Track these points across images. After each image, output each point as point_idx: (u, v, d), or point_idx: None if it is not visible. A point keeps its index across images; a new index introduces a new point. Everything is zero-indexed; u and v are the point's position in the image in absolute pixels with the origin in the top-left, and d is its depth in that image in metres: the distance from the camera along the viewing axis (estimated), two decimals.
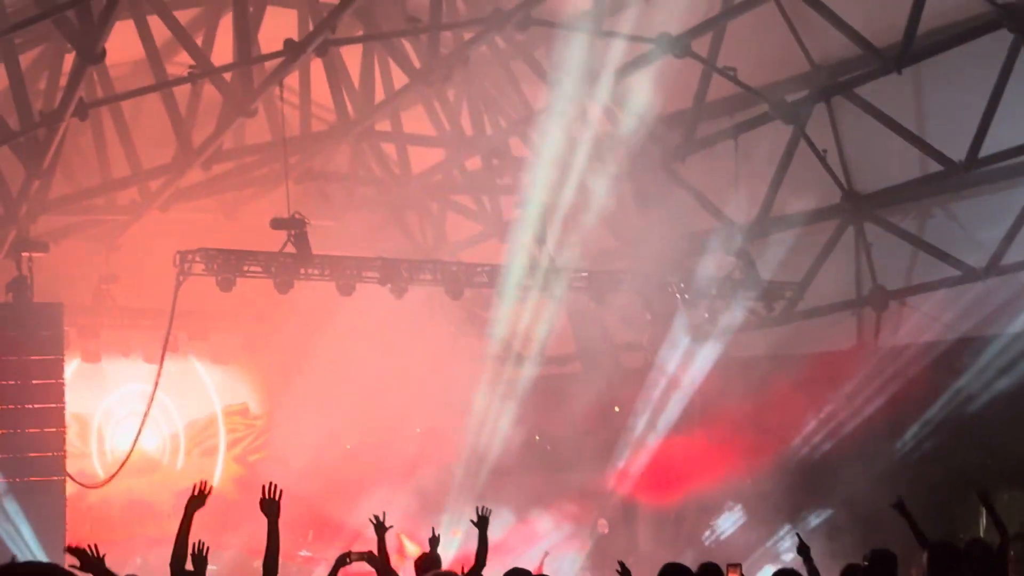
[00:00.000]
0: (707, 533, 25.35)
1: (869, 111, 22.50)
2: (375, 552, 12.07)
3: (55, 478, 23.14)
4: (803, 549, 12.19)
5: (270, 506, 9.62)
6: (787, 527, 23.06)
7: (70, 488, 23.97)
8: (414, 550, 23.78)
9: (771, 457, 24.44)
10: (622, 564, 11.36)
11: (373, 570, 11.99)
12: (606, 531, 27.36)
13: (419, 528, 24.73)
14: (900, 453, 23.08)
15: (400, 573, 12.29)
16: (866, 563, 10.96)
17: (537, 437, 28.86)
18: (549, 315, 26.95)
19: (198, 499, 9.59)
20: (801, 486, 23.95)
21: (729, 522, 25.17)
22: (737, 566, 13.51)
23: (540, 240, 24.71)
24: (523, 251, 24.94)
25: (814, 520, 23.43)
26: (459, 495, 26.01)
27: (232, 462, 29.72)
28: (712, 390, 25.43)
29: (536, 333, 27.62)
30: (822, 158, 23.44)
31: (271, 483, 9.68)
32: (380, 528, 12.18)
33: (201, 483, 9.63)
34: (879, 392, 23.52)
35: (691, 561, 19.95)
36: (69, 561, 8.74)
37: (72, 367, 25.34)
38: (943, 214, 23.03)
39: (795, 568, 10.93)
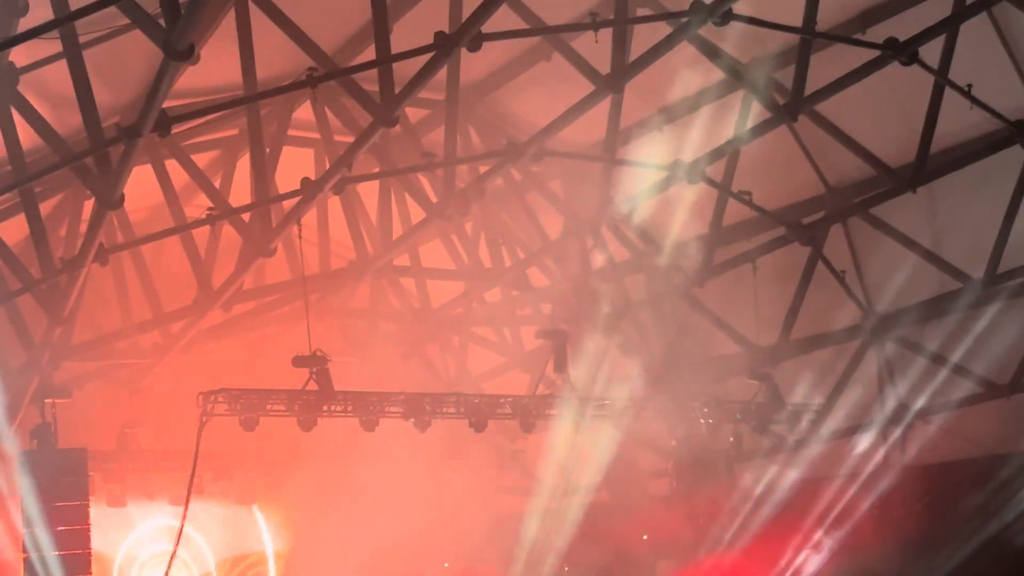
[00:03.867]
0: None
1: (885, 231, 22.53)
2: None
3: None
4: None
5: None
6: None
7: None
8: None
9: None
10: None
11: None
12: None
13: None
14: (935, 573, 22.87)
15: None
16: None
17: (566, 568, 28.65)
18: (577, 444, 26.93)
19: None
20: None
21: None
22: None
23: (561, 368, 24.67)
24: (545, 381, 24.93)
25: None
26: None
27: None
28: (741, 512, 25.27)
29: (566, 463, 27.58)
30: (841, 279, 23.45)
31: None
32: None
33: None
34: (908, 511, 23.37)
35: None
36: None
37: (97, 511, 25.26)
38: (964, 330, 22.95)
39: None
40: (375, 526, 26.38)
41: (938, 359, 23.10)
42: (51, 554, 22.70)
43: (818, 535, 24.00)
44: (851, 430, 24.49)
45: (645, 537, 27.00)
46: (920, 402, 23.53)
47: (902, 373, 23.70)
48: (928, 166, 21.25)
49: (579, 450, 27.73)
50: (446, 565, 27.54)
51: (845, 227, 23.44)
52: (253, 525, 29.88)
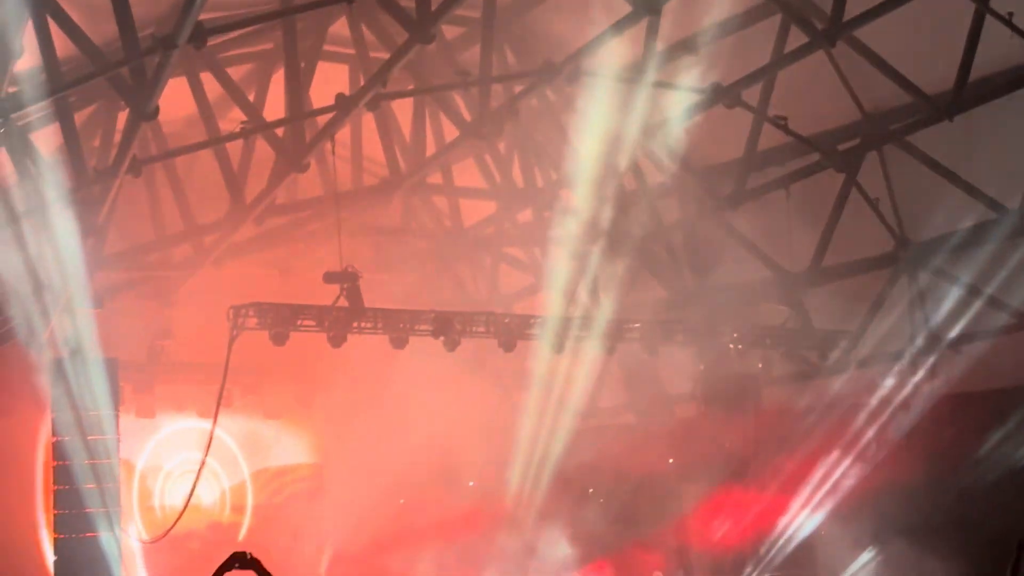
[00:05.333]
0: None
1: (921, 159, 22.41)
2: None
3: (110, 534, 23.11)
4: None
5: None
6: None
7: (126, 543, 23.98)
8: None
9: (825, 503, 24.29)
10: None
11: None
12: None
13: None
14: (951, 502, 22.85)
15: None
16: None
17: (591, 489, 28.74)
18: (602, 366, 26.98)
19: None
20: (856, 530, 23.76)
21: (786, 570, 24.95)
22: None
23: (592, 292, 24.67)
24: (575, 302, 24.91)
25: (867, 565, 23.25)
26: (512, 549, 25.96)
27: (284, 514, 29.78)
28: (767, 439, 25.31)
29: (589, 385, 27.63)
30: (875, 206, 23.36)
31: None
32: None
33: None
34: (933, 441, 23.36)
35: None
36: None
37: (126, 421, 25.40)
38: (998, 261, 22.85)
39: None
40: (402, 443, 26.49)
41: (971, 289, 23.01)
42: (81, 462, 22.84)
43: (845, 462, 24.00)
44: (881, 358, 24.43)
45: (671, 461, 27.00)
46: (951, 332, 23.46)
47: (934, 302, 23.62)
48: (966, 94, 21.13)
49: (607, 372, 27.81)
50: (471, 483, 27.62)
51: (880, 154, 23.31)
52: (280, 439, 30.04)
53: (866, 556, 23.38)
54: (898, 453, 23.46)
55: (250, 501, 29.56)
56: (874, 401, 24.08)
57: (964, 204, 22.36)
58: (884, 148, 23.23)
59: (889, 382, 24.15)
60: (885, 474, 23.36)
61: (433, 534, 26.00)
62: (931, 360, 23.83)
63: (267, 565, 9.12)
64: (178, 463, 28.25)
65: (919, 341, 23.92)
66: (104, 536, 22.97)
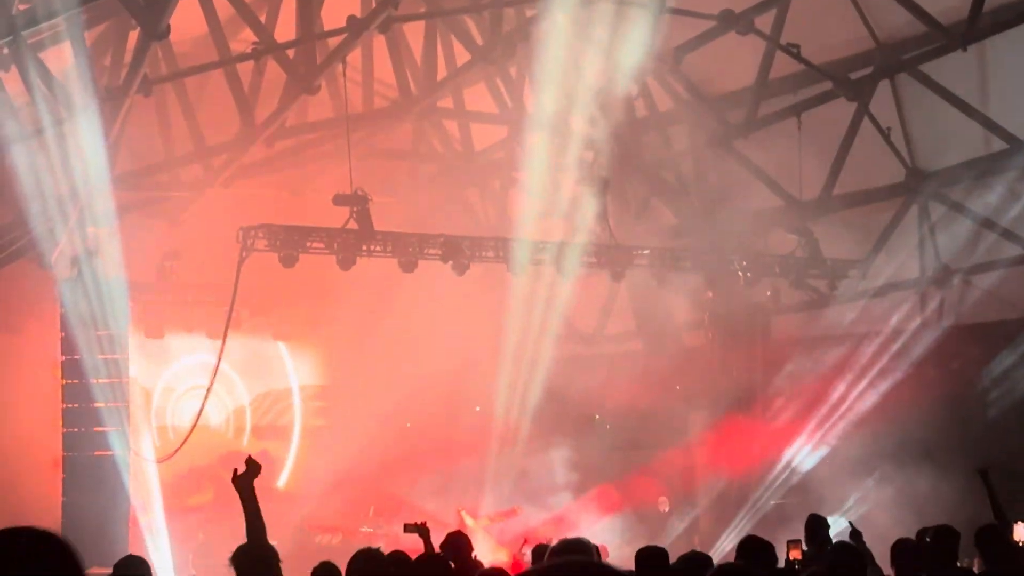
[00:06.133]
0: (768, 509, 25.20)
1: (934, 88, 22.35)
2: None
3: (120, 452, 23.25)
4: (855, 534, 12.24)
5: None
6: (847, 503, 22.95)
7: (134, 461, 24.12)
8: (473, 525, 23.90)
9: (831, 433, 24.36)
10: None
11: None
12: (666, 509, 27.33)
13: (478, 504, 24.89)
14: (959, 432, 22.87)
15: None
16: (928, 539, 10.83)
17: (597, 416, 28.87)
18: (609, 293, 27.03)
19: (248, 472, 9.12)
20: (862, 459, 23.81)
21: (790, 498, 25.01)
22: (798, 542, 13.43)
23: (601, 218, 24.65)
24: (584, 228, 24.90)
25: (871, 494, 23.30)
26: (517, 473, 26.08)
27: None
28: (774, 368, 25.38)
29: (597, 311, 27.69)
30: (886, 136, 23.33)
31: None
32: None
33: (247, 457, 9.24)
34: (941, 371, 23.39)
35: (746, 533, 19.94)
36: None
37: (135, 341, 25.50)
38: (1010, 192, 22.81)
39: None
40: (409, 367, 26.59)
41: (982, 221, 22.98)
42: (90, 382, 22.95)
43: (853, 392, 24.04)
44: (890, 288, 24.44)
45: (677, 388, 27.06)
46: (962, 263, 23.46)
47: (944, 233, 23.62)
48: (980, 24, 21.05)
49: (615, 299, 27.85)
50: (477, 408, 27.69)
51: (893, 83, 23.29)
52: (287, 361, 30.18)
53: (871, 485, 23.43)
54: (906, 383, 23.47)
55: (249, 422, 29.70)
56: (883, 331, 24.08)
57: (977, 135, 22.35)
58: (897, 77, 23.20)
59: (898, 312, 24.15)
60: (892, 404, 23.38)
61: (438, 458, 26.11)
62: (941, 291, 23.84)
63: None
64: (187, 383, 28.36)
65: (929, 272, 23.93)
66: (114, 455, 23.13)
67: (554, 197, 26.70)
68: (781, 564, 11.79)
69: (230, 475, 9.01)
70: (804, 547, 13.17)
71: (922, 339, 23.67)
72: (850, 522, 12.82)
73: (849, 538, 12.18)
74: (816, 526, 12.64)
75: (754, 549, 9.96)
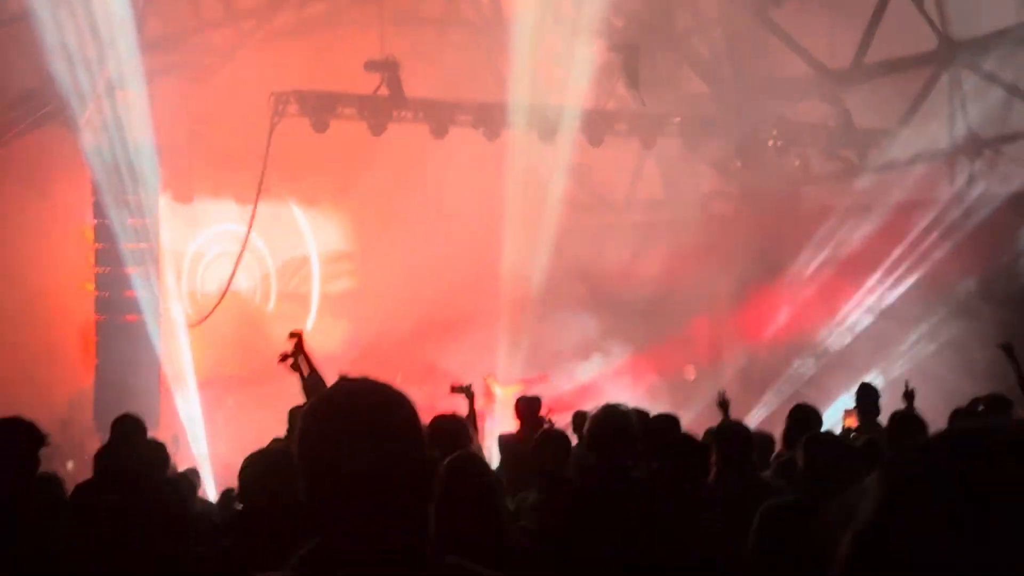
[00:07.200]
0: (793, 377, 25.29)
1: None
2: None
3: (150, 317, 23.37)
4: (909, 394, 12.28)
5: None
6: (873, 372, 23.01)
7: (165, 326, 24.27)
8: (502, 393, 24.04)
9: (861, 302, 24.40)
10: (722, 395, 11.58)
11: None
12: (692, 377, 27.45)
13: (507, 371, 25.02)
14: (989, 301, 22.88)
15: (488, 416, 12.31)
16: (982, 408, 10.86)
17: (623, 284, 28.90)
18: (639, 162, 26.98)
19: (295, 349, 9.09)
20: (888, 331, 23.87)
21: (813, 367, 25.09)
22: (853, 410, 13.37)
23: (633, 85, 24.55)
24: (616, 96, 24.83)
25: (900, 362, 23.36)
26: (545, 341, 26.17)
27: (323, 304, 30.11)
28: (803, 238, 25.36)
29: (626, 180, 27.66)
30: (919, 3, 23.13)
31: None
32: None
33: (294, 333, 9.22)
34: (970, 240, 23.36)
35: (776, 404, 19.99)
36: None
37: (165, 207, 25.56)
38: None
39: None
40: (438, 233, 26.63)
41: (1014, 89, 22.87)
42: (121, 246, 23.04)
43: (882, 261, 24.04)
44: (920, 157, 24.34)
45: (706, 257, 27.06)
46: (992, 132, 23.36)
47: (975, 103, 23.48)
48: None
49: (645, 167, 27.81)
50: (505, 274, 27.72)
51: None
52: (316, 227, 30.22)
53: (903, 353, 23.47)
54: (935, 252, 23.44)
55: (274, 287, 29.82)
56: (912, 200, 24.03)
57: (1010, 3, 22.14)
58: None
59: (928, 182, 24.08)
60: (922, 274, 23.39)
61: (465, 325, 26.20)
62: (971, 160, 23.76)
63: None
64: (217, 248, 28.44)
65: (959, 142, 23.83)
66: (145, 318, 23.26)
67: (584, 64, 26.61)
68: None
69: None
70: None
71: (952, 208, 23.61)
72: (906, 381, 12.72)
73: (903, 398, 12.21)
74: (867, 395, 12.68)
75: (804, 417, 10.05)
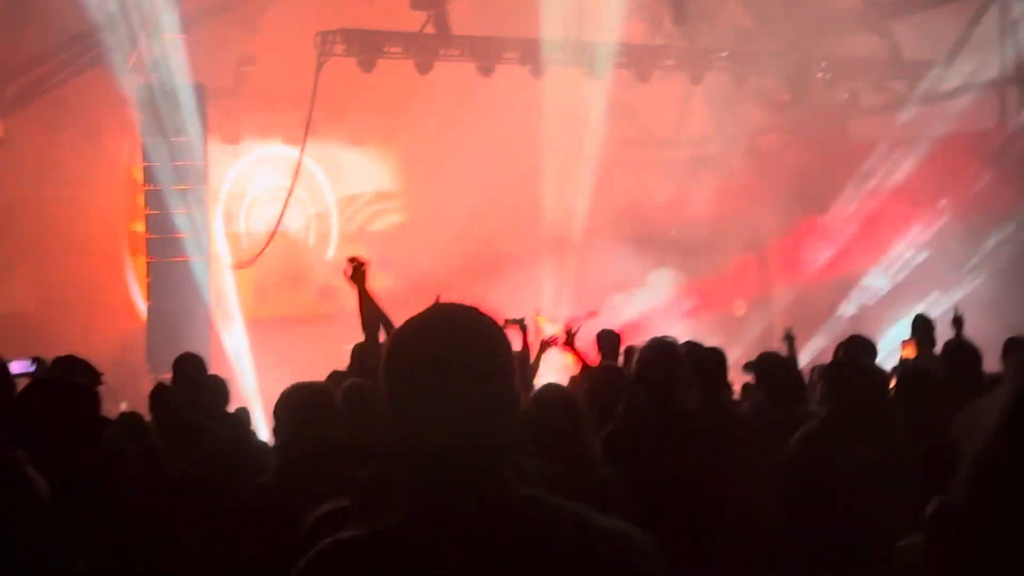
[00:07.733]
0: (845, 312, 25.18)
1: None
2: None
3: (198, 258, 23.40)
4: (958, 320, 12.25)
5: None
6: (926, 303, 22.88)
7: (214, 268, 24.35)
8: (551, 331, 24.00)
9: (913, 238, 24.24)
10: (788, 330, 11.61)
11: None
12: (742, 312, 27.40)
13: (555, 309, 24.99)
14: None
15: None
16: None
17: (674, 222, 28.82)
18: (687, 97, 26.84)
19: (357, 272, 9.03)
20: (940, 267, 23.72)
21: (867, 299, 24.95)
22: (910, 340, 13.30)
23: (680, 19, 24.39)
24: (663, 30, 24.68)
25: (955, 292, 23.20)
26: (594, 278, 26.13)
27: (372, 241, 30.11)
28: (854, 170, 25.20)
29: (674, 116, 27.53)
30: None
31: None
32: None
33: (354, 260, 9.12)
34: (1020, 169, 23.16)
35: (830, 338, 19.85)
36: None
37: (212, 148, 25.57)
38: None
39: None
40: (485, 172, 26.56)
41: None
42: (169, 188, 23.07)
43: (935, 196, 23.86)
44: (971, 89, 24.13)
45: (755, 192, 26.95)
46: None
47: None
48: None
49: (693, 103, 27.68)
50: (553, 214, 27.67)
51: None
52: (364, 167, 30.21)
53: (959, 290, 23.30)
54: (989, 185, 23.23)
55: (335, 227, 29.82)
56: (963, 132, 23.83)
57: None
58: None
59: (979, 113, 23.88)
60: (975, 207, 23.20)
61: (514, 262, 26.17)
62: (1021, 88, 23.55)
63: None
64: (264, 189, 28.46)
65: (1010, 72, 23.62)
66: (193, 260, 23.31)
67: None
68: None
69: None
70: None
71: (1004, 139, 23.43)
72: (955, 307, 12.71)
73: (952, 324, 12.20)
74: (923, 324, 12.66)
75: (861, 347, 10.06)
